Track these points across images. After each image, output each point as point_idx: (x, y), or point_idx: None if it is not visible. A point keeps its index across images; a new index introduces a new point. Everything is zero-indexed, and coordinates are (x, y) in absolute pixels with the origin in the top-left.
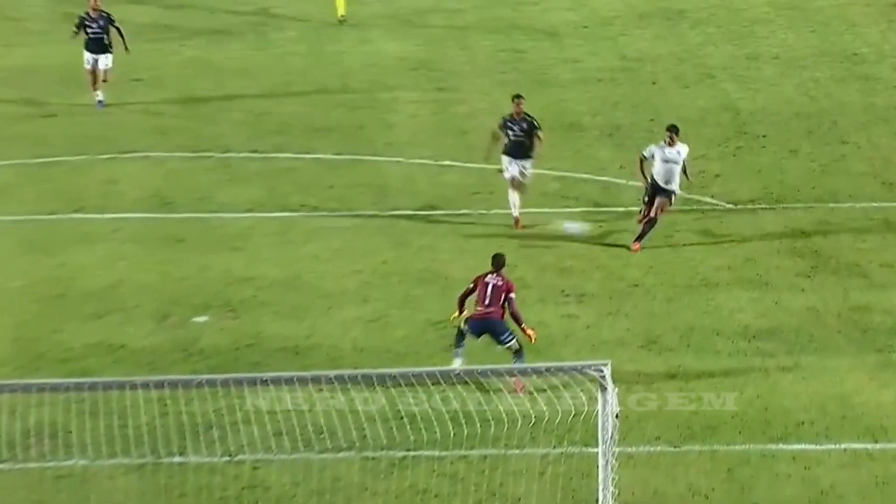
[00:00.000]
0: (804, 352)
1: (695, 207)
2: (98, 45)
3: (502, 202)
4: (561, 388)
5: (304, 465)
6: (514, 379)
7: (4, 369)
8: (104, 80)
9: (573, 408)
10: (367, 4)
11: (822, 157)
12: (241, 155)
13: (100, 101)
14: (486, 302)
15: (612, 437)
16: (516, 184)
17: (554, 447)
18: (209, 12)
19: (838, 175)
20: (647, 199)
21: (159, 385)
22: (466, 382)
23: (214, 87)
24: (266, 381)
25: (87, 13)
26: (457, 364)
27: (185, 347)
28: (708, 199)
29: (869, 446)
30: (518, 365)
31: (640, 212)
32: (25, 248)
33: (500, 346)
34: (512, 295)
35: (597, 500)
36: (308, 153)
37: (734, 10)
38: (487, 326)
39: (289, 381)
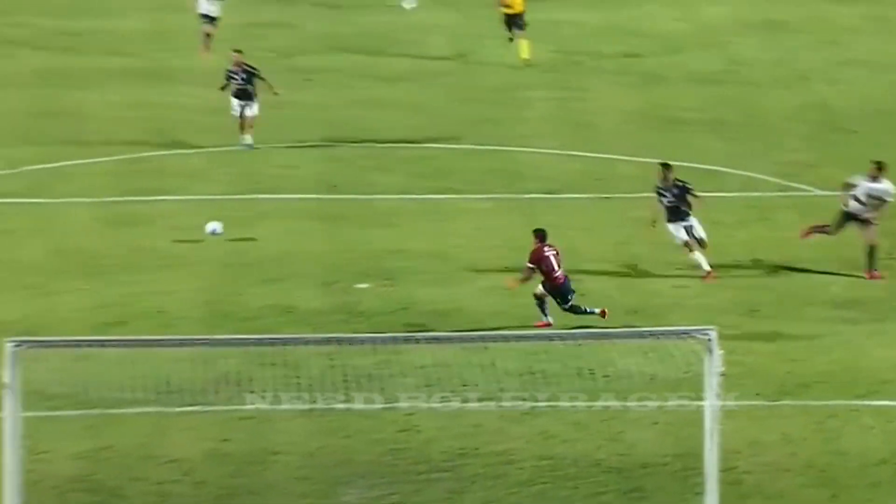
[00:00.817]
0: (887, 320)
1: (790, 194)
2: (243, 95)
3: (620, 187)
4: (672, 349)
5: (449, 412)
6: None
7: (198, 326)
8: (251, 126)
9: (683, 367)
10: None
11: None
12: (395, 146)
13: (249, 144)
14: (557, 269)
15: (716, 393)
16: (691, 245)
17: (666, 400)
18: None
19: None
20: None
21: (327, 341)
22: (588, 340)
23: (374, 90)
24: (418, 339)
25: (232, 68)
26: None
27: (348, 310)
28: (802, 186)
29: None
30: (637, 328)
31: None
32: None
33: (564, 305)
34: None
35: (703, 447)
36: (452, 143)
37: (827, 20)
38: (565, 288)
39: (437, 339)
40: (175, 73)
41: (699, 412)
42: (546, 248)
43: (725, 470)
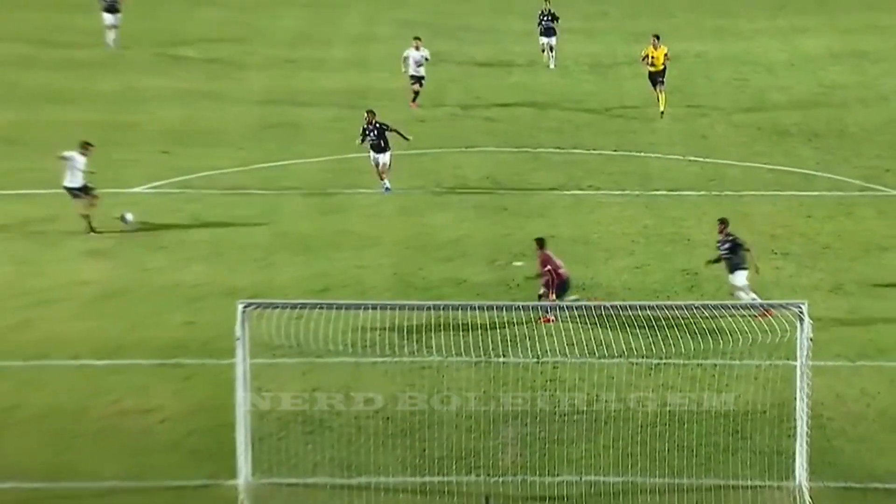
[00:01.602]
0: None
1: (871, 194)
2: (377, 148)
3: (729, 186)
4: (771, 318)
5: (587, 366)
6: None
7: (387, 294)
8: (385, 173)
9: (779, 333)
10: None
11: None
12: (548, 150)
13: (387, 188)
14: (562, 266)
15: (806, 355)
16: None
17: (765, 360)
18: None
19: None
20: None
21: (490, 308)
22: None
23: (530, 103)
24: (563, 307)
25: (365, 125)
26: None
27: (507, 283)
28: (881, 188)
29: None
30: (742, 301)
31: None
32: (401, 211)
33: (566, 297)
34: None
35: (795, 398)
36: (594, 150)
37: None
38: (568, 283)
39: (578, 308)
40: (369, 93)
41: (792, 370)
42: (547, 252)
43: (813, 417)
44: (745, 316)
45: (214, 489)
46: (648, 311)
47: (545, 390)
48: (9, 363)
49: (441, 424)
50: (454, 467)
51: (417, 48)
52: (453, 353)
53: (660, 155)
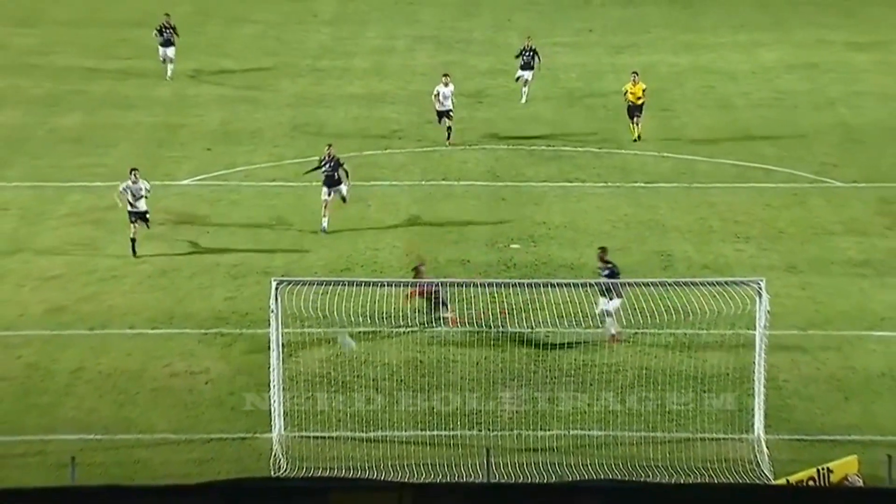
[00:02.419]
0: (888, 275)
1: (821, 186)
2: (330, 180)
3: (701, 179)
4: (733, 293)
5: (574, 334)
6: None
7: (401, 272)
8: (328, 209)
9: (741, 306)
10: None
11: None
12: (541, 147)
13: (323, 229)
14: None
15: (764, 325)
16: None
17: (728, 330)
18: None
19: None
20: None
21: (491, 285)
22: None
23: (525, 107)
24: (553, 284)
25: (324, 157)
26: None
27: (505, 263)
28: (830, 180)
29: None
30: (708, 279)
31: None
32: (414, 200)
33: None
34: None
35: (754, 363)
36: (581, 147)
37: (846, 63)
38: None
39: (567, 286)
40: (387, 97)
41: (752, 338)
42: (422, 276)
43: (770, 379)
44: (711, 293)
45: (252, 441)
46: (628, 287)
47: (538, 356)
48: (77, 332)
49: (448, 386)
50: (459, 423)
51: (446, 84)
52: (458, 323)
53: (638, 152)
